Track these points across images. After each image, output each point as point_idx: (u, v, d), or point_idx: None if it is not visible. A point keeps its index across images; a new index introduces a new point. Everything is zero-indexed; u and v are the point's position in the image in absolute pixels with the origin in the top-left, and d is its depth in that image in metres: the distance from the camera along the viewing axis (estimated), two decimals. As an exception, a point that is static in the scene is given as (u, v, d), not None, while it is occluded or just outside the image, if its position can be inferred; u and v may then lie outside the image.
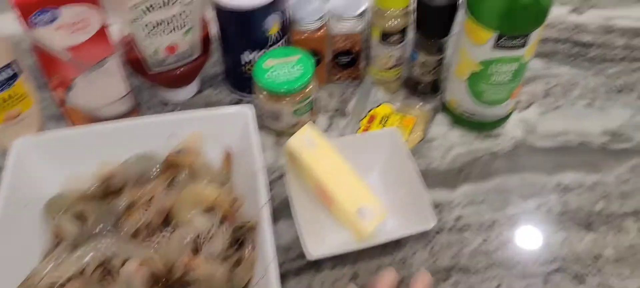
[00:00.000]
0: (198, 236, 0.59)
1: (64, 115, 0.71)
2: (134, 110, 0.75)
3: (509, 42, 0.62)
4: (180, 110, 0.78)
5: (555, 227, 0.65)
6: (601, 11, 0.91)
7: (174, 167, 0.65)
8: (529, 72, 0.82)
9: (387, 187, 0.67)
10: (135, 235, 0.60)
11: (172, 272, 0.58)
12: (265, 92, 0.70)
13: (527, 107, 0.78)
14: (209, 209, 0.61)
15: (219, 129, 0.67)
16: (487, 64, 0.65)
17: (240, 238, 0.60)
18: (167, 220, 0.62)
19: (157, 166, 0.65)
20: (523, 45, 0.63)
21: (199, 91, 0.81)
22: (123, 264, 0.57)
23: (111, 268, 0.58)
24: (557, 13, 0.91)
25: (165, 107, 0.79)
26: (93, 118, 0.72)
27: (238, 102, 0.79)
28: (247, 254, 0.59)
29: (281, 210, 0.67)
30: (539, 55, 0.84)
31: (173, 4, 0.66)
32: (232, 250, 0.59)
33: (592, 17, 0.90)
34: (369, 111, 0.74)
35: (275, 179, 0.70)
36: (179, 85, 0.77)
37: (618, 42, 0.86)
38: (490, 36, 0.62)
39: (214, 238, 0.59)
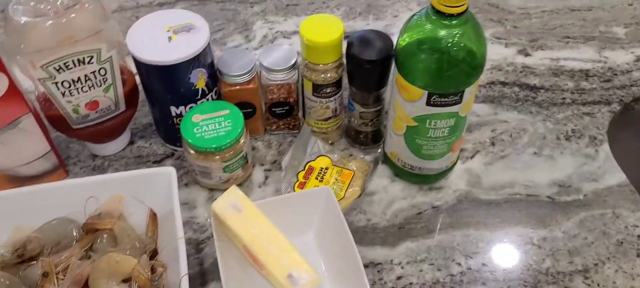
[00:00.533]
0: (112, 312, 0.55)
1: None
2: (60, 166, 0.70)
3: (443, 100, 0.59)
4: (109, 164, 0.74)
5: (500, 287, 0.62)
6: (549, 52, 0.89)
7: (93, 232, 0.61)
8: (474, 118, 0.79)
9: (322, 249, 0.63)
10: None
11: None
12: (194, 149, 0.66)
13: (472, 156, 0.75)
14: (126, 280, 0.57)
15: (142, 191, 0.62)
16: (422, 119, 0.62)
17: (159, 312, 0.56)
18: (83, 292, 0.58)
19: (76, 231, 0.61)
20: (458, 102, 0.60)
21: (131, 142, 0.76)
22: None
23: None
24: (504, 54, 0.89)
25: (95, 160, 0.74)
26: (12, 177, 0.67)
27: (171, 155, 0.75)
28: (164, 331, 0.54)
29: (213, 272, 0.63)
30: (486, 99, 0.82)
31: (88, 62, 0.62)
32: (148, 326, 0.55)
33: (540, 59, 0.88)
34: (307, 164, 0.71)
35: (207, 238, 0.66)
36: (107, 139, 0.73)
37: (567, 85, 0.84)
38: (421, 93, 0.59)
39: (130, 313, 0.55)
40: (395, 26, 0.93)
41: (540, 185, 0.72)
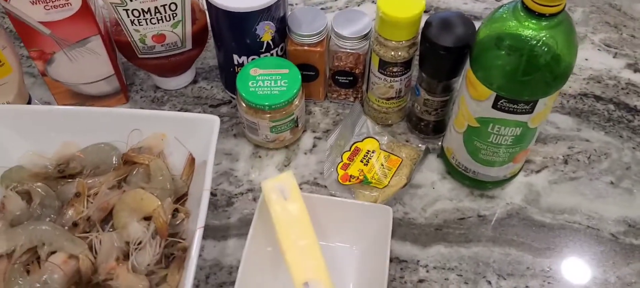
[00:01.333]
0: (128, 243, 0.57)
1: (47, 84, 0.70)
2: (121, 91, 0.73)
3: (511, 106, 0.54)
4: (168, 99, 0.75)
5: (526, 319, 0.57)
6: (664, 74, 0.78)
7: (130, 164, 0.63)
8: (553, 130, 0.72)
9: (357, 265, 0.60)
10: (74, 226, 0.58)
11: (96, 274, 0.56)
12: (245, 102, 0.65)
13: (539, 171, 0.68)
14: (147, 218, 0.58)
15: (186, 134, 0.63)
16: (485, 122, 0.57)
17: (171, 256, 0.57)
18: (108, 218, 0.60)
19: (116, 159, 0.63)
20: (528, 112, 0.54)
21: (194, 81, 0.78)
22: (52, 254, 0.56)
23: (40, 256, 0.57)
24: (610, 65, 0.79)
25: (157, 92, 0.76)
26: (75, 93, 0.71)
27: (229, 102, 0.75)
28: (171, 275, 0.55)
29: (238, 227, 0.63)
30: (572, 111, 0.74)
31: (159, -6, 0.63)
32: (159, 266, 0.57)
33: (650, 78, 0.77)
34: (353, 144, 0.68)
35: (241, 193, 0.66)
36: (170, 74, 0.74)
37: (673, 115, 0.73)
38: (489, 94, 0.54)
39: (144, 250, 0.56)
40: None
41: (606, 220, 0.64)
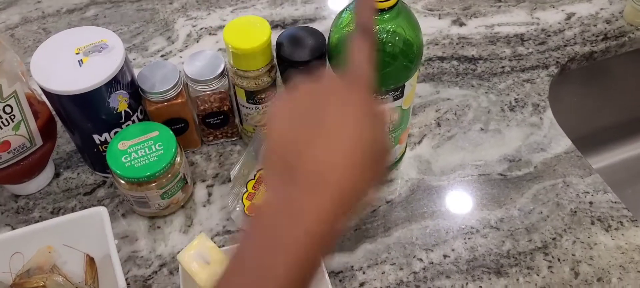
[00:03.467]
0: None
1: None
2: (-27, 218, 0.63)
3: (383, 97, 0.56)
4: (35, 204, 0.67)
5: (465, 277, 0.60)
6: (483, 19, 0.87)
7: (22, 293, 0.55)
8: (417, 100, 0.77)
9: None
10: None
11: None
12: (124, 180, 0.60)
13: (420, 141, 0.73)
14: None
15: (74, 236, 0.57)
16: (366, 116, 0.59)
17: None
18: None
19: (2, 294, 0.55)
20: (399, 97, 0.57)
21: (56, 175, 0.70)
22: None
23: None
24: (439, 26, 0.86)
25: (18, 201, 0.67)
26: None
27: (103, 183, 0.69)
28: None
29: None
30: (426, 78, 0.79)
31: (-11, 102, 0.55)
32: None
33: (475, 27, 0.86)
34: (257, 172, 0.66)
35: (154, 273, 0.61)
36: (27, 178, 0.66)
37: (504, 52, 0.82)
38: (360, 91, 0.56)
39: None
40: (326, 9, 0.89)
41: (490, 163, 0.70)
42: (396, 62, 0.54)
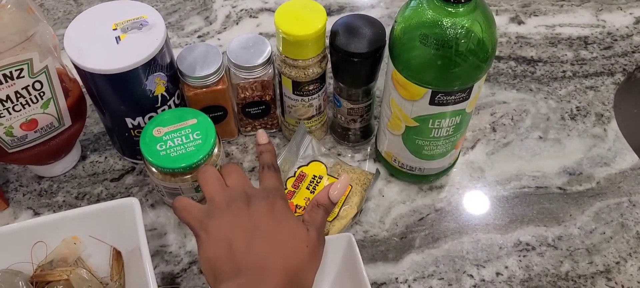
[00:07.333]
0: None
1: None
2: (-3, 196, 0.60)
3: (448, 98, 0.51)
4: (59, 187, 0.63)
5: (517, 301, 0.55)
6: (543, 18, 0.81)
7: (43, 285, 0.51)
8: (471, 102, 0.71)
9: None
10: None
11: None
12: (158, 170, 0.56)
13: (473, 146, 0.67)
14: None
15: (101, 227, 0.53)
16: (424, 120, 0.53)
17: None
18: None
19: (23, 285, 0.51)
20: (466, 99, 0.51)
21: (82, 157, 0.66)
22: None
23: None
24: (496, 23, 0.80)
25: (41, 183, 0.63)
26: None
27: (131, 170, 0.65)
28: None
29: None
30: (481, 78, 0.74)
31: (18, 76, 0.51)
32: None
33: (534, 27, 0.80)
34: (298, 169, 0.61)
35: (183, 270, 0.57)
36: (52, 160, 0.62)
37: (566, 56, 0.76)
38: (424, 92, 0.51)
39: None
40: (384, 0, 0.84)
41: (549, 175, 0.65)
42: (467, 62, 0.49)
